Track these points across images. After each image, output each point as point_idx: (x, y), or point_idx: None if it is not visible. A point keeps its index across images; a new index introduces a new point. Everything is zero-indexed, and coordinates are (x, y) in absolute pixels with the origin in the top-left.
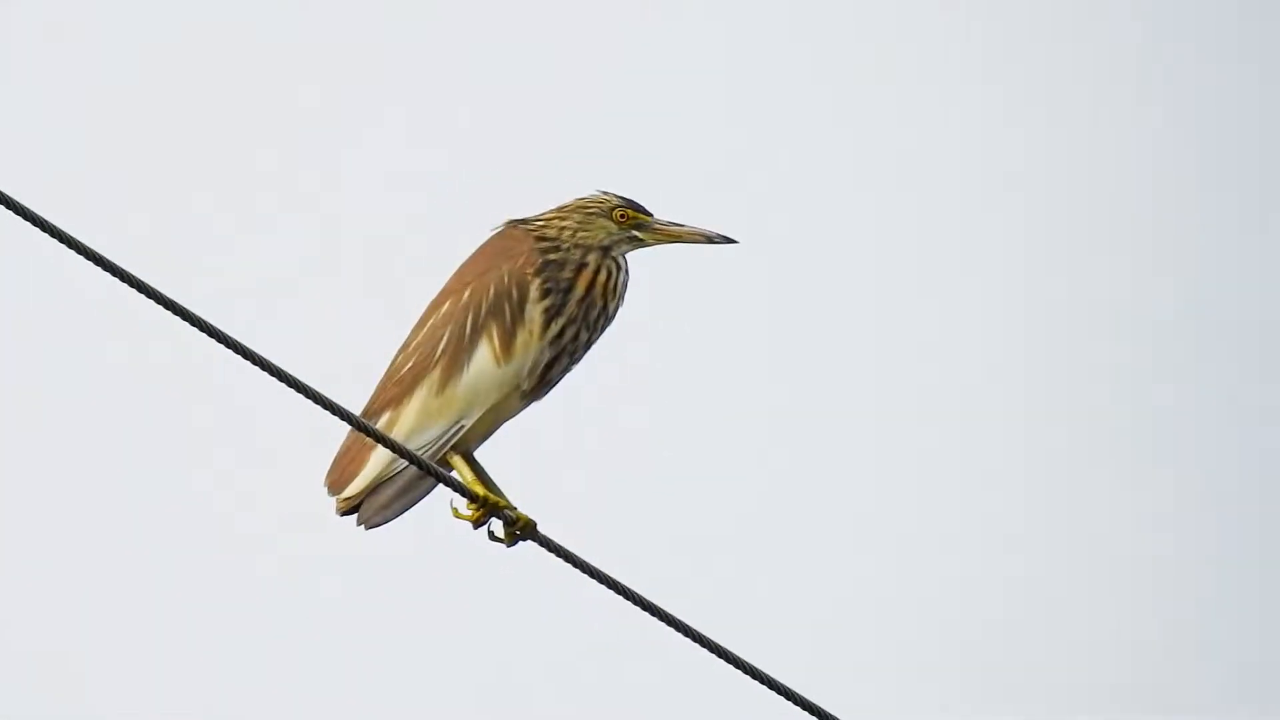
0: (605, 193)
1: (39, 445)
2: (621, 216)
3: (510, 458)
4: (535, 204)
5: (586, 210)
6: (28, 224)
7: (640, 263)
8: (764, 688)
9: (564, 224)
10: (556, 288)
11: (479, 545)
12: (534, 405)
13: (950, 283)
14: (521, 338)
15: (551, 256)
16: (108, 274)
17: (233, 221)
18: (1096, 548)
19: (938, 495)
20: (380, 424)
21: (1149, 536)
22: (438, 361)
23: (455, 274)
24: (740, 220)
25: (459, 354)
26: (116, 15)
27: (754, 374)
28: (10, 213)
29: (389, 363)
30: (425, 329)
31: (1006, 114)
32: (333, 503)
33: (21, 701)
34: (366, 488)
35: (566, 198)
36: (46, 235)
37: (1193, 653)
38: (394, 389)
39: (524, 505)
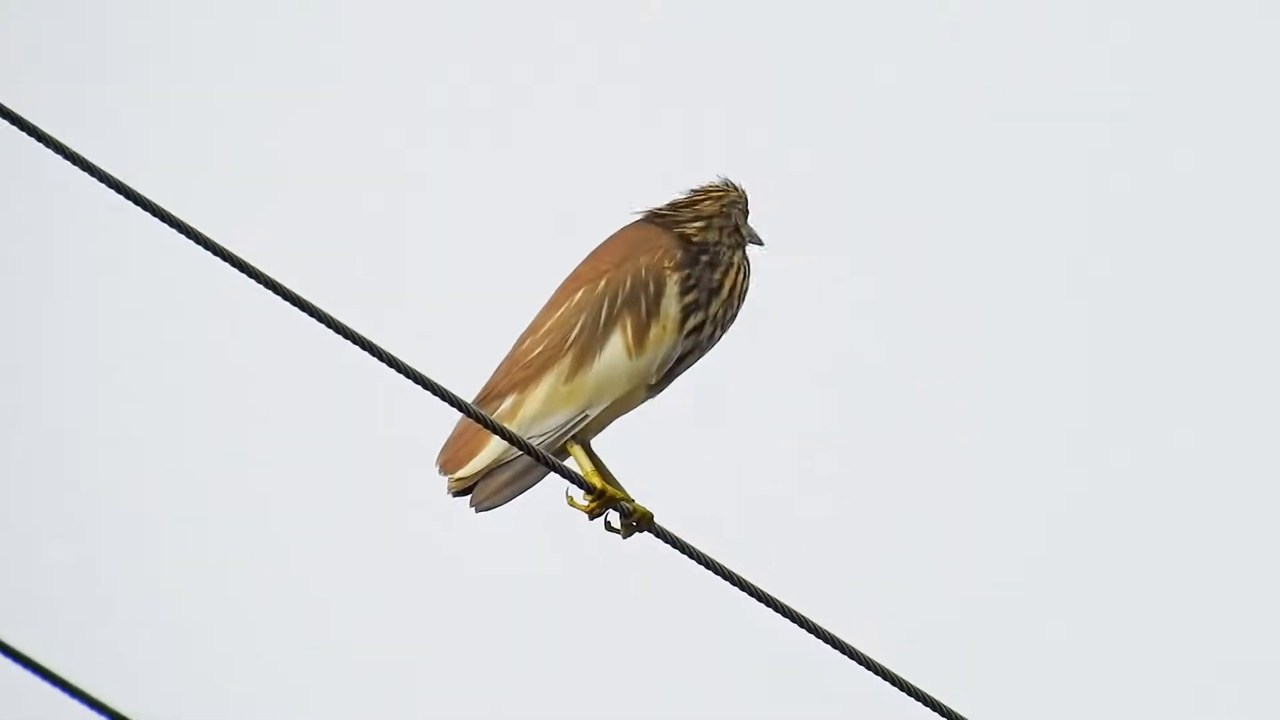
0: (736, 185)
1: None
2: (747, 211)
3: (629, 449)
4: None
5: (738, 205)
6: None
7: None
8: (879, 679)
9: (727, 219)
10: (702, 285)
11: (594, 535)
12: (654, 398)
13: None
14: (655, 332)
15: (704, 257)
16: (219, 259)
17: (345, 211)
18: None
19: (1059, 489)
20: (504, 406)
21: None
22: (569, 349)
23: (588, 261)
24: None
25: (592, 343)
26: None
27: (874, 365)
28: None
29: (514, 345)
30: (558, 315)
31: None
32: (445, 482)
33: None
34: (482, 471)
35: (689, 188)
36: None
37: None
38: (521, 373)
39: (641, 497)
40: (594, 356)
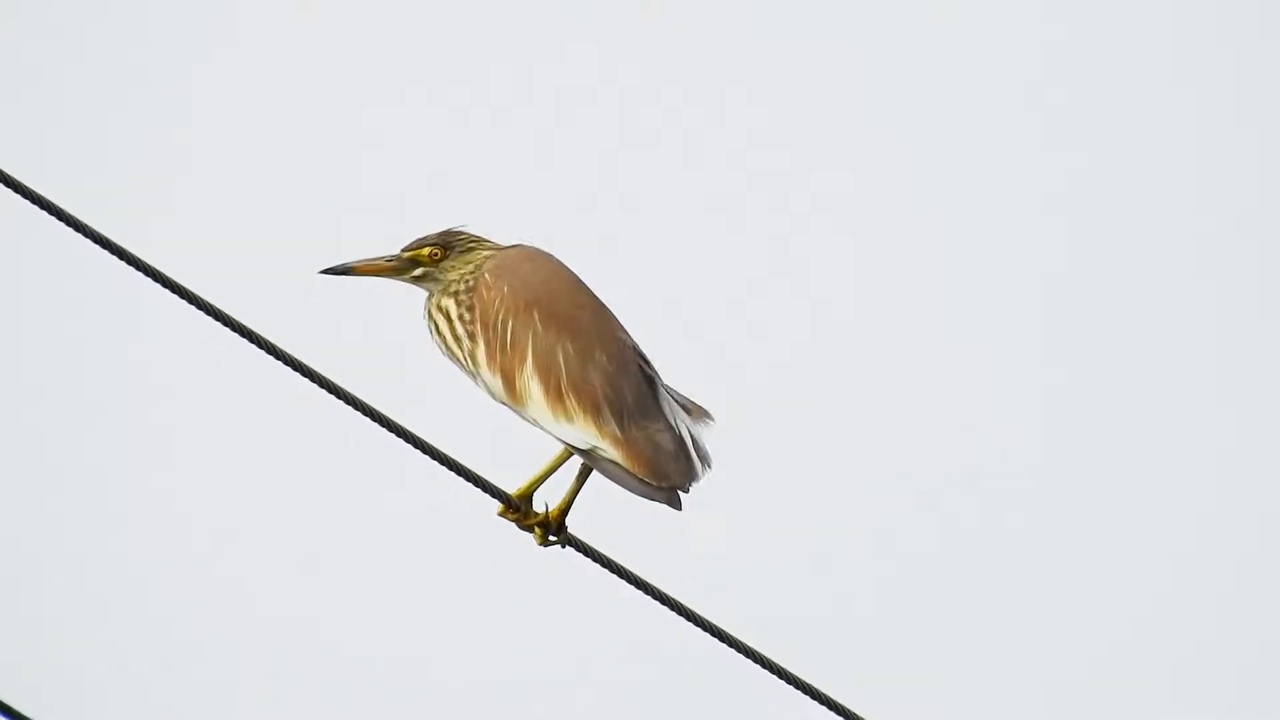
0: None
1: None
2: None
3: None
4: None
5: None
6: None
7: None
8: (789, 685)
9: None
10: None
11: (508, 540)
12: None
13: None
14: None
15: None
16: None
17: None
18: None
19: (955, 484)
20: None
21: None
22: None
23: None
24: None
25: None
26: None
27: (777, 362)
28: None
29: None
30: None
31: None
32: None
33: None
34: None
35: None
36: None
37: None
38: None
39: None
40: None
